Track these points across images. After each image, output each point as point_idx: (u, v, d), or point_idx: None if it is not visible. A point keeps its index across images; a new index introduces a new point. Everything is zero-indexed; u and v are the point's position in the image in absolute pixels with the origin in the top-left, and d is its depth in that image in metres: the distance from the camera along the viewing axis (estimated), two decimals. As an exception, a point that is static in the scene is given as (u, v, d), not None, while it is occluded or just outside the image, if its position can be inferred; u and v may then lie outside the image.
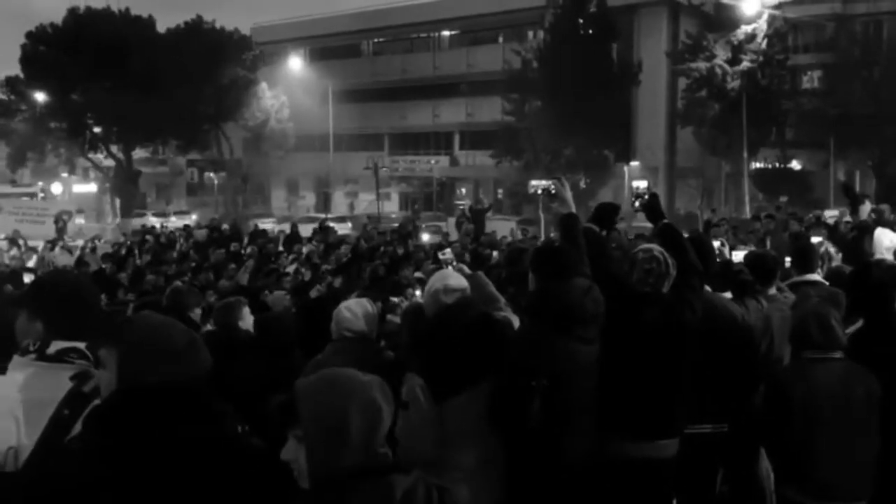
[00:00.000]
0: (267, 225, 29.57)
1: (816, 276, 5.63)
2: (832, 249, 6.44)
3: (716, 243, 13.16)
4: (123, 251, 17.00)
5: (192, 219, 35.70)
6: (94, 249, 18.33)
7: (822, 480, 3.64)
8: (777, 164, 38.17)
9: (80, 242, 20.52)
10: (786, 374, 3.94)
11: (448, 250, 4.59)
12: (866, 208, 9.98)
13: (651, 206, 4.45)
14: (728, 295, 4.73)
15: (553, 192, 4.42)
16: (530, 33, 44.06)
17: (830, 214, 14.98)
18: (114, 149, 47.00)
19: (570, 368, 3.61)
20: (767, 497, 4.38)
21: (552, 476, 3.58)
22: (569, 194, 4.42)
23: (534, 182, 4.85)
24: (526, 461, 3.57)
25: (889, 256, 6.44)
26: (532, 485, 3.57)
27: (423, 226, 29.68)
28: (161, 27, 45.41)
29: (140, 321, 2.45)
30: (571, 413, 3.63)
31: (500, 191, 46.53)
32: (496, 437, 3.56)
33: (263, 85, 46.81)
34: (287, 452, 2.06)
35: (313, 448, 2.00)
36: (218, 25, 46.43)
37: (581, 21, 36.73)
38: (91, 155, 47.50)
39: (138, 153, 48.55)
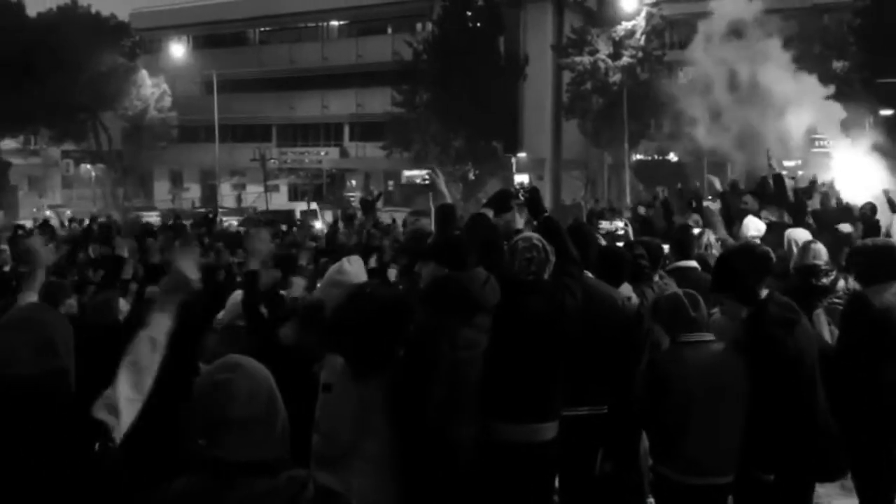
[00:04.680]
0: (151, 218, 28.61)
1: (693, 263, 5.92)
2: (713, 238, 6.75)
3: (619, 224, 13.52)
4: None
5: (68, 213, 34.11)
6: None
7: (692, 457, 3.81)
8: (656, 156, 39.65)
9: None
10: (662, 357, 4.12)
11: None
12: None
13: (532, 200, 4.57)
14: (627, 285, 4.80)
15: (427, 182, 4.48)
16: (419, 25, 44.14)
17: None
18: (-20, 139, 44.32)
19: (468, 357, 3.69)
20: (645, 475, 4.59)
21: (443, 463, 3.63)
22: (443, 184, 4.48)
23: (407, 172, 4.93)
24: (418, 449, 3.61)
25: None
26: (425, 473, 3.62)
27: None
28: (31, 11, 43.12)
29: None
30: (464, 400, 3.71)
31: (390, 182, 46.44)
32: (393, 427, 3.59)
33: (143, 73, 45.07)
34: None
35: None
36: (94, 10, 44.43)
37: (469, 14, 37.13)
38: (-44, 145, 44.68)
39: (7, 143, 45.94)
